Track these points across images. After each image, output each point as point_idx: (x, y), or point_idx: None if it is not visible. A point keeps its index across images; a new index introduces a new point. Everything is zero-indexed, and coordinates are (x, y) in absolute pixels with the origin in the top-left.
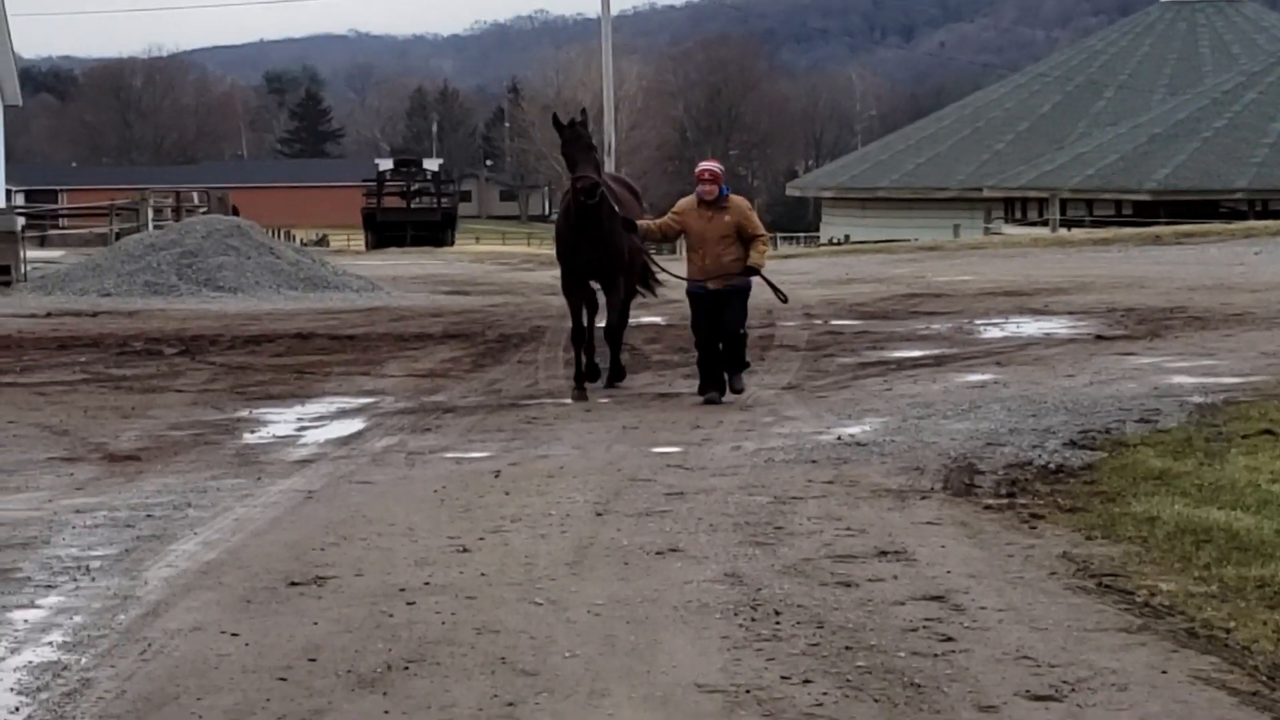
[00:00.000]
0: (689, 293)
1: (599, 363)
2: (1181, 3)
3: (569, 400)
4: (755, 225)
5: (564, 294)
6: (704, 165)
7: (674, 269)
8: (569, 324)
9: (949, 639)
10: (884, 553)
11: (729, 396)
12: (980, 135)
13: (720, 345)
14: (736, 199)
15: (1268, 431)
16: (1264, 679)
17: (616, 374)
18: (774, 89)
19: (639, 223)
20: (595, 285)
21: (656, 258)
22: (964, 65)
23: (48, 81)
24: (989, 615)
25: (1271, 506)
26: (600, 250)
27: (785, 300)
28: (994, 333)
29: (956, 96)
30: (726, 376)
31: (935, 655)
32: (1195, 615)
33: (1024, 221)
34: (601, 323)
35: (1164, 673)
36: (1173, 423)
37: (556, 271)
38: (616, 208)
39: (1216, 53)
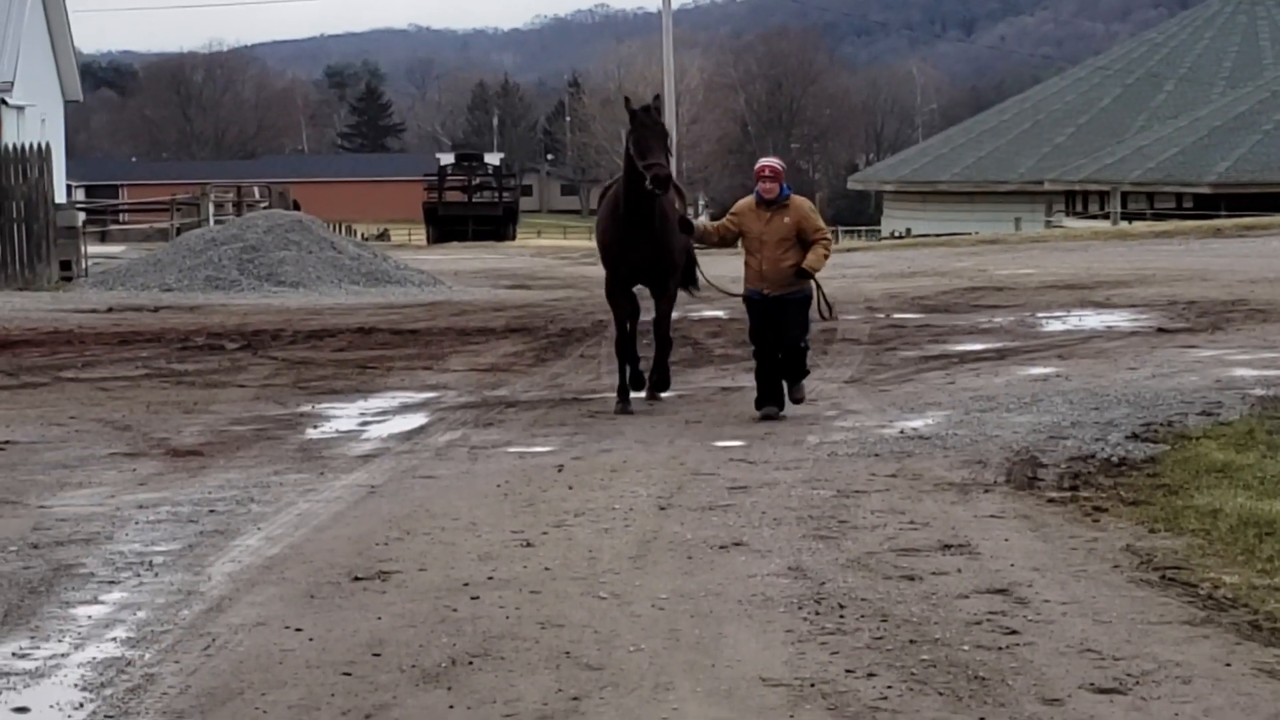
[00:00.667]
0: (746, 298)
1: (642, 370)
2: None
3: (613, 413)
4: (817, 225)
5: (608, 298)
6: (764, 162)
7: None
8: (612, 330)
9: (1013, 632)
10: (947, 546)
11: (789, 408)
12: (1040, 128)
13: (780, 356)
14: (798, 199)
15: None
16: None
17: (662, 382)
18: (835, 82)
19: (696, 223)
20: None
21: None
22: (1024, 58)
23: (108, 77)
24: (1052, 608)
25: None
26: (655, 250)
27: (829, 315)
28: (1055, 326)
29: (1017, 90)
30: (785, 386)
31: (999, 648)
32: (1259, 608)
33: (1085, 214)
34: (648, 327)
35: (1228, 665)
36: (1235, 415)
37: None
38: (678, 203)
39: (1277, 45)
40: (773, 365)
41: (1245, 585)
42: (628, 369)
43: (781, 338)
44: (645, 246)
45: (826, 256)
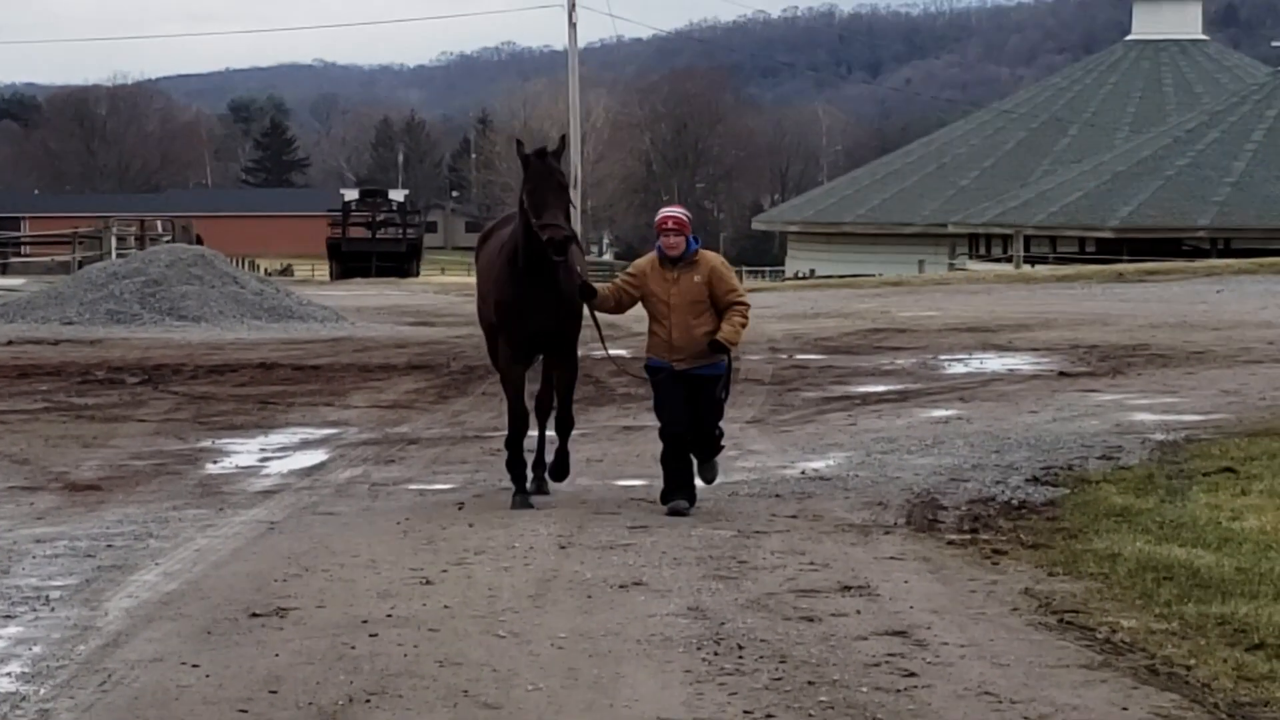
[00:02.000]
0: (649, 365)
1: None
2: (1145, 41)
3: (510, 509)
4: (731, 285)
5: (500, 370)
6: (666, 212)
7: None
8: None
9: (911, 674)
10: (847, 588)
11: (700, 488)
12: (945, 171)
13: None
14: (708, 254)
15: (1228, 469)
16: (1224, 716)
17: (562, 468)
18: (740, 123)
19: (597, 287)
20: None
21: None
22: (929, 102)
23: (11, 108)
24: (951, 651)
25: (1232, 544)
26: (562, 314)
27: (723, 396)
28: (958, 368)
29: (922, 132)
30: (694, 463)
31: (898, 690)
32: (1156, 652)
33: (988, 258)
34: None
35: (1125, 709)
36: (1135, 460)
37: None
38: (579, 268)
39: (1180, 91)
40: (682, 450)
41: (1143, 629)
42: (524, 457)
43: (695, 423)
44: (550, 309)
45: (744, 326)
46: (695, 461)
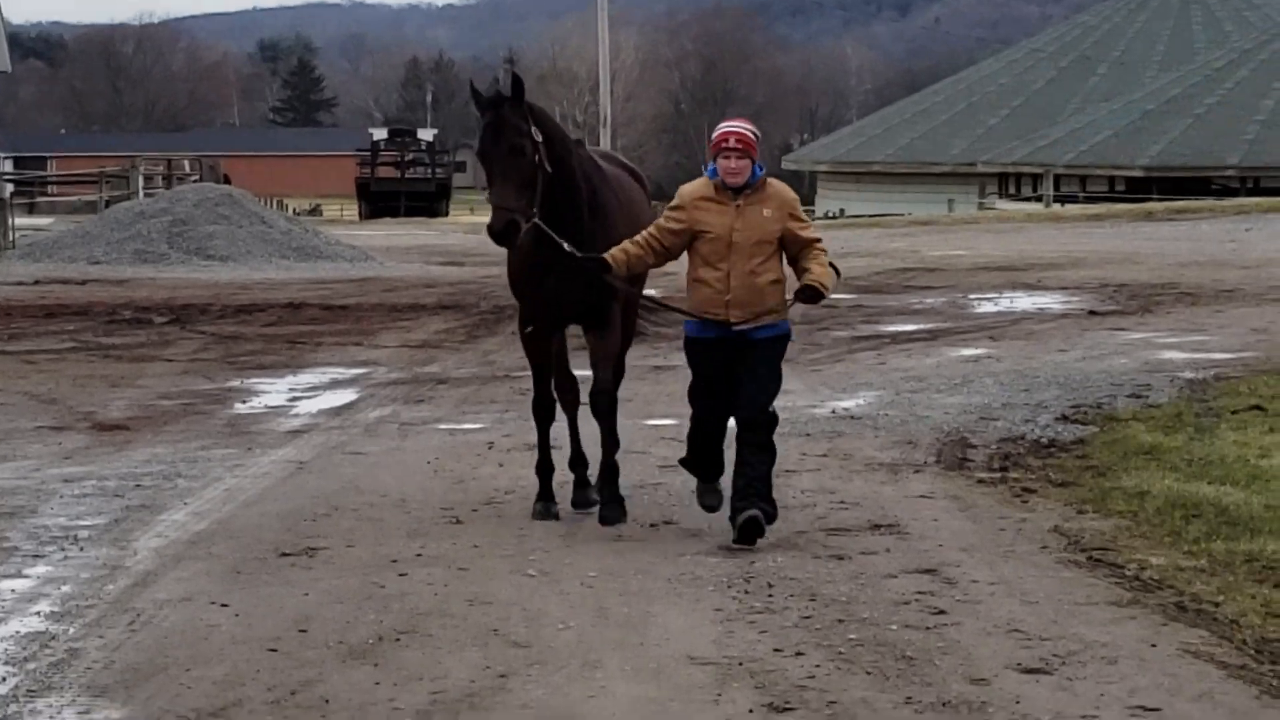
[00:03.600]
0: (689, 339)
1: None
2: None
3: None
4: (806, 224)
5: (522, 341)
6: (728, 127)
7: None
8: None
9: (940, 612)
10: (877, 526)
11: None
12: (974, 110)
13: (734, 426)
14: (777, 184)
15: (1257, 407)
16: (1251, 652)
17: (611, 475)
18: (769, 62)
19: (611, 256)
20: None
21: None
22: (959, 40)
23: (37, 47)
24: (980, 589)
25: (1260, 481)
26: (578, 281)
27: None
28: (987, 308)
29: (951, 71)
30: (734, 489)
31: (927, 628)
32: (1184, 589)
33: (1018, 197)
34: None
35: (1153, 646)
36: (1163, 398)
37: None
38: (565, 245)
39: (1209, 29)
40: (718, 439)
41: (1171, 567)
42: (550, 448)
43: (741, 400)
44: (567, 275)
45: (826, 267)
46: (735, 490)
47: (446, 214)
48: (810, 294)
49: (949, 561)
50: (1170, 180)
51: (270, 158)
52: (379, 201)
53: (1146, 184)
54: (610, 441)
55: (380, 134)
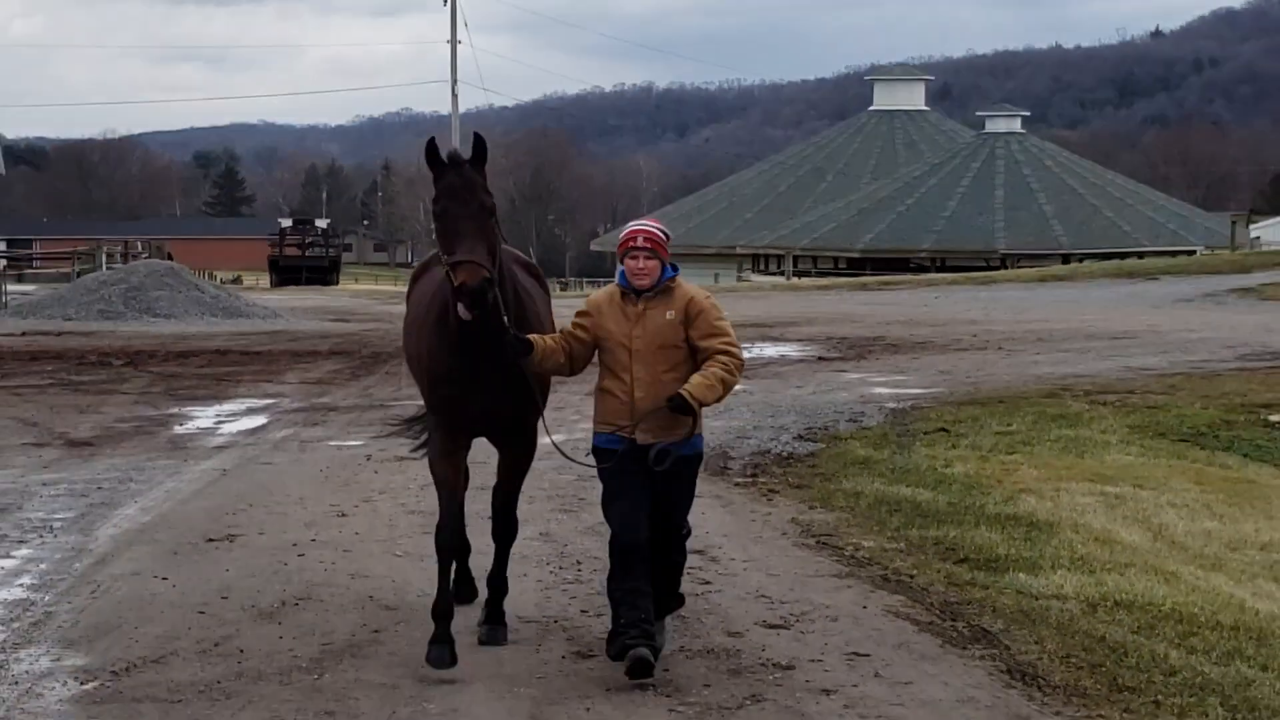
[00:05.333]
0: (598, 449)
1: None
2: (883, 111)
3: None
4: (718, 328)
5: (432, 462)
6: (635, 226)
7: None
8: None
9: (706, 582)
10: None
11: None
12: (735, 207)
13: (655, 542)
14: (687, 285)
15: (942, 429)
16: (937, 612)
17: (499, 592)
18: (581, 170)
19: (534, 339)
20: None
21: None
22: (724, 155)
23: (25, 156)
24: (736, 565)
25: (944, 485)
26: (513, 391)
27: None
28: (744, 355)
29: (718, 178)
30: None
31: (696, 595)
32: (888, 565)
33: (767, 272)
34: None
35: (865, 608)
36: (874, 422)
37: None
38: (506, 318)
39: (908, 149)
40: (638, 564)
41: (879, 549)
42: (450, 579)
43: (659, 516)
44: (500, 384)
45: (728, 385)
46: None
47: (337, 283)
48: (677, 403)
49: (713, 545)
50: (879, 260)
51: (203, 240)
52: (285, 273)
53: (862, 262)
54: (504, 564)
55: (286, 222)
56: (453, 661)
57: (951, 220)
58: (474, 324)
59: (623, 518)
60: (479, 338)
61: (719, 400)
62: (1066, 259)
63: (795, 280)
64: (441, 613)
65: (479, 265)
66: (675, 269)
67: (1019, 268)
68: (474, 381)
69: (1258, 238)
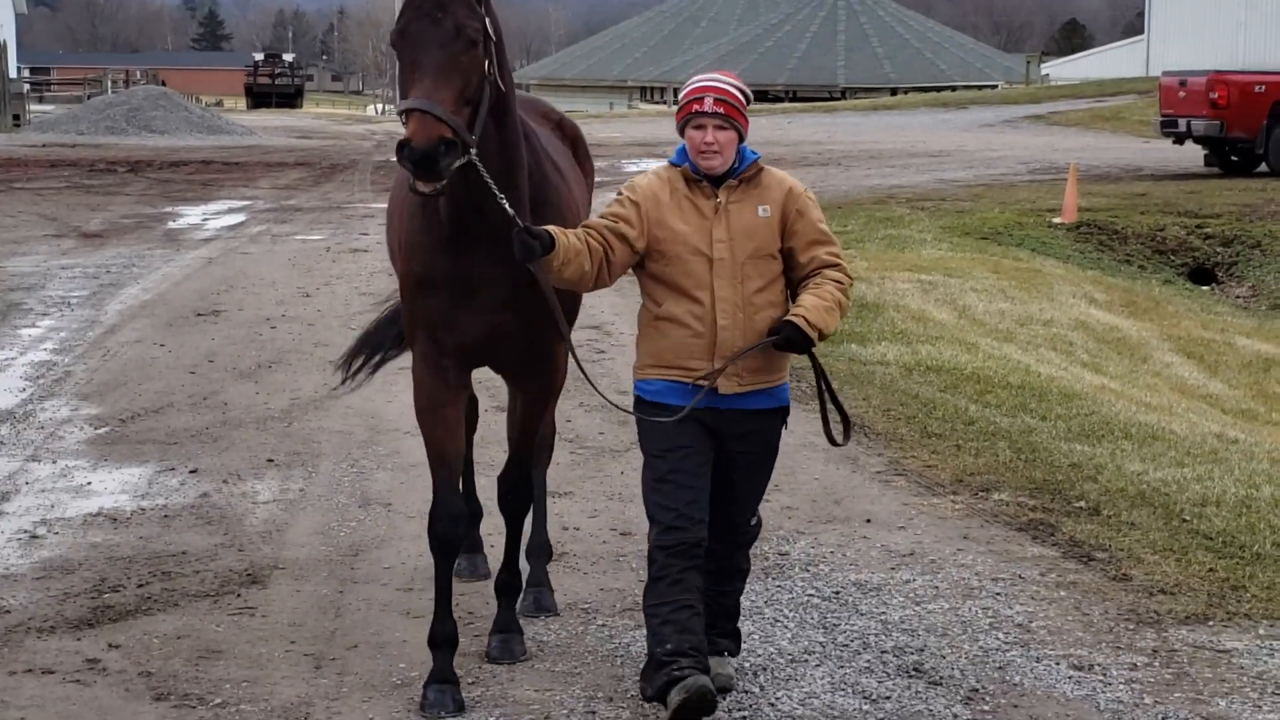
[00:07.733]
0: (644, 403)
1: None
2: None
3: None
4: (825, 231)
5: (419, 411)
6: (704, 80)
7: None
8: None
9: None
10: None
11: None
12: (626, 48)
13: (712, 543)
14: (778, 172)
15: None
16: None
17: (511, 591)
18: (502, 12)
19: (556, 234)
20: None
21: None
22: (619, 5)
23: None
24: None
25: None
26: (521, 300)
27: (843, 439)
28: (631, 168)
29: (614, 23)
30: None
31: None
32: None
33: (652, 102)
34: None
35: None
36: None
37: (381, 157)
38: (502, 200)
39: (768, 1)
40: (696, 576)
41: None
42: (449, 585)
43: (725, 505)
44: (504, 291)
45: (844, 308)
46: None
47: (301, 107)
48: (790, 333)
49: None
50: None
51: (190, 70)
52: (259, 98)
53: None
54: (516, 544)
55: (259, 56)
56: (457, 710)
57: (802, 59)
58: (467, 208)
59: (680, 504)
60: (475, 229)
61: (835, 327)
62: (894, 92)
63: (677, 108)
64: (442, 639)
65: (433, 119)
66: (754, 154)
67: (856, 99)
68: (468, 291)
69: (1047, 75)
